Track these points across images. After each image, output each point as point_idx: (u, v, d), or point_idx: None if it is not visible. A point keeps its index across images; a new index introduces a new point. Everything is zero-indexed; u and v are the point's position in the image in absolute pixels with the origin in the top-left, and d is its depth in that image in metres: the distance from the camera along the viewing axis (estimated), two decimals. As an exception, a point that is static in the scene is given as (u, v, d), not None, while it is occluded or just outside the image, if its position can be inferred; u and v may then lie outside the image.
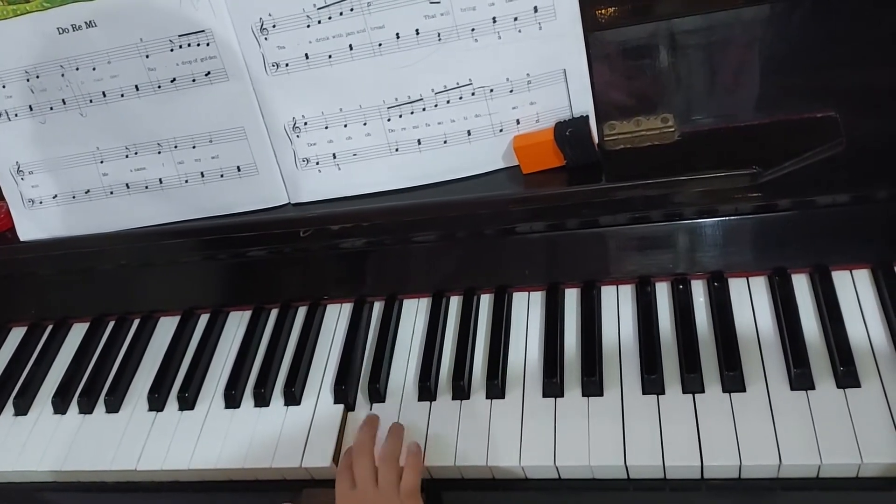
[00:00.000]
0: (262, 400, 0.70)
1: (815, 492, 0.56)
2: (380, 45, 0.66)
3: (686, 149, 0.65)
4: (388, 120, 0.69)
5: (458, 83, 0.66)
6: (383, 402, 0.68)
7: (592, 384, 0.62)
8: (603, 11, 0.63)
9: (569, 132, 0.65)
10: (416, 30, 0.65)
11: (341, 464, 0.62)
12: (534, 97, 0.66)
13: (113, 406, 0.74)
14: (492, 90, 0.66)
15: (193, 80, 0.70)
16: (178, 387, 0.73)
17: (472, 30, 0.64)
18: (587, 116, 0.66)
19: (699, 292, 0.67)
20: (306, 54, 0.67)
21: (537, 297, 0.71)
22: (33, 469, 0.71)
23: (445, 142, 0.69)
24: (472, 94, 0.67)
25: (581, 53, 0.64)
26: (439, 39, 0.65)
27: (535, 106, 0.66)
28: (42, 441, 0.72)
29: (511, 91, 0.66)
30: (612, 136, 0.67)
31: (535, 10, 0.63)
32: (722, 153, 0.64)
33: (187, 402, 0.72)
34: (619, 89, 0.66)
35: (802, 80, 0.63)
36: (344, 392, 0.68)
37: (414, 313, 0.73)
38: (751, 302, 0.65)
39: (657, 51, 0.64)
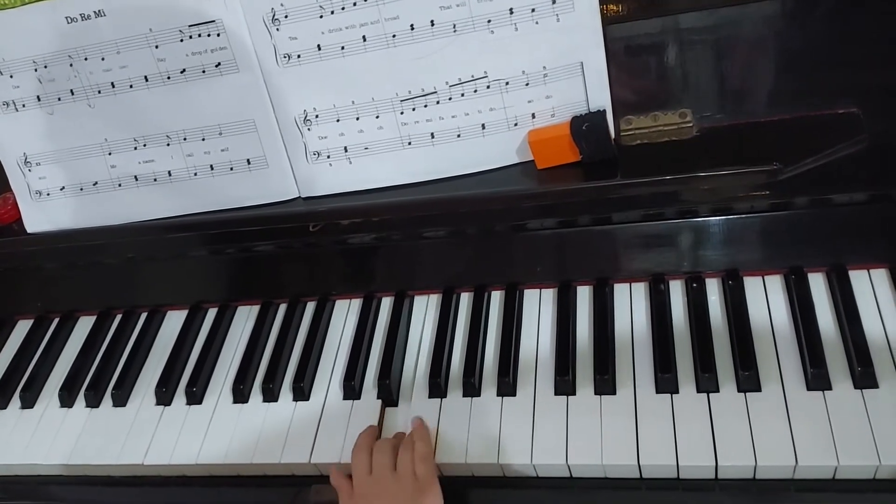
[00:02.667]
0: (270, 395, 0.69)
1: (830, 493, 0.56)
2: (394, 36, 0.65)
3: (704, 145, 0.64)
4: (401, 113, 0.68)
5: (473, 76, 0.65)
6: (393, 398, 0.67)
7: (605, 382, 0.62)
8: (621, 4, 0.62)
9: (585, 127, 0.64)
10: (431, 21, 0.64)
11: (357, 449, 0.62)
12: (550, 91, 0.65)
13: (120, 400, 0.73)
14: (507, 83, 0.65)
15: (203, 72, 0.69)
16: (185, 381, 0.72)
17: (489, 21, 0.63)
18: (604, 111, 0.65)
19: (714, 291, 0.66)
20: (318, 45, 0.66)
21: (549, 295, 0.70)
22: (39, 462, 0.70)
23: (459, 135, 0.68)
24: (488, 87, 0.66)
25: (599, 46, 0.63)
26: (455, 31, 0.64)
27: (551, 100, 0.66)
28: (48, 435, 0.72)
29: (527, 84, 0.65)
30: (629, 131, 0.66)
31: (553, 1, 0.62)
32: (741, 149, 0.63)
33: (195, 397, 0.71)
34: (637, 83, 0.65)
35: (825, 75, 0.62)
36: (353, 388, 0.68)
37: (424, 309, 0.73)
38: (766, 301, 0.65)
39: (676, 44, 0.63)
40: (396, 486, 0.58)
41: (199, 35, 0.68)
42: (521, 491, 0.61)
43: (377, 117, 0.68)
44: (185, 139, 0.72)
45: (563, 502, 0.60)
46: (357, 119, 0.69)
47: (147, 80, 0.70)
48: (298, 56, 0.67)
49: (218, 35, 0.67)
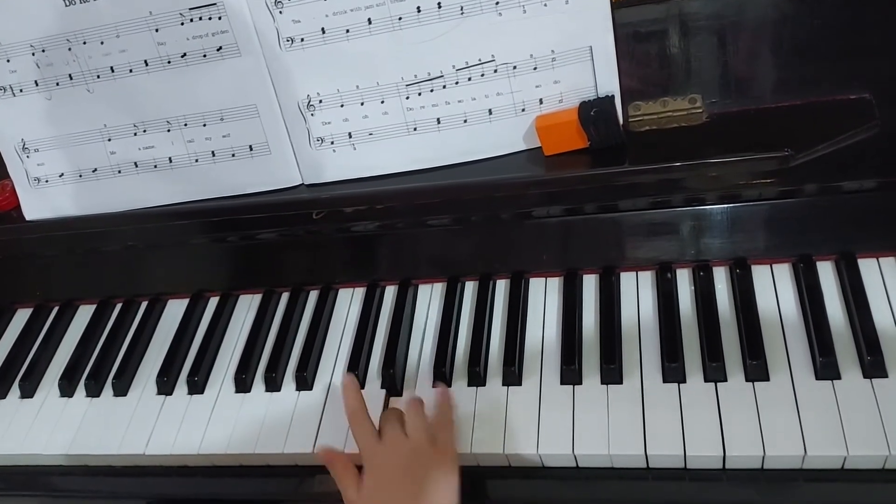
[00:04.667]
0: (273, 384, 0.69)
1: (839, 483, 0.55)
2: (400, 18, 0.64)
3: (714, 131, 0.63)
4: (407, 98, 0.67)
5: (480, 59, 0.64)
6: (398, 388, 0.66)
7: (612, 372, 0.61)
8: (631, -14, 0.61)
9: (594, 112, 0.63)
10: (438, 3, 0.63)
11: (354, 416, 0.61)
12: (558, 75, 0.64)
13: (121, 389, 0.72)
14: (515, 67, 0.64)
15: (204, 56, 0.68)
16: (187, 370, 0.72)
17: (497, 3, 0.62)
18: (613, 96, 0.64)
19: (721, 279, 0.66)
20: (322, 28, 0.65)
21: (554, 283, 0.69)
22: (39, 452, 0.70)
23: (466, 121, 0.67)
24: (495, 71, 0.65)
25: (608, 30, 0.62)
26: (462, 13, 0.63)
27: (559, 85, 0.65)
28: (48, 424, 0.71)
29: (535, 68, 0.64)
30: (638, 117, 0.65)
31: (562, -17, 0.61)
32: (752, 135, 0.62)
33: (197, 387, 0.70)
34: (646, 69, 0.64)
35: (836, 60, 0.62)
36: (357, 377, 0.67)
37: (428, 298, 0.72)
38: (775, 289, 0.64)
39: (685, 29, 0.62)
40: (415, 449, 0.56)
41: (201, 18, 0.66)
42: (526, 481, 0.60)
43: (382, 102, 0.67)
44: (185, 125, 0.71)
45: (569, 492, 0.59)
46: (362, 104, 0.68)
47: (147, 65, 0.69)
48: (302, 39, 0.66)
49: (219, 18, 0.66)
